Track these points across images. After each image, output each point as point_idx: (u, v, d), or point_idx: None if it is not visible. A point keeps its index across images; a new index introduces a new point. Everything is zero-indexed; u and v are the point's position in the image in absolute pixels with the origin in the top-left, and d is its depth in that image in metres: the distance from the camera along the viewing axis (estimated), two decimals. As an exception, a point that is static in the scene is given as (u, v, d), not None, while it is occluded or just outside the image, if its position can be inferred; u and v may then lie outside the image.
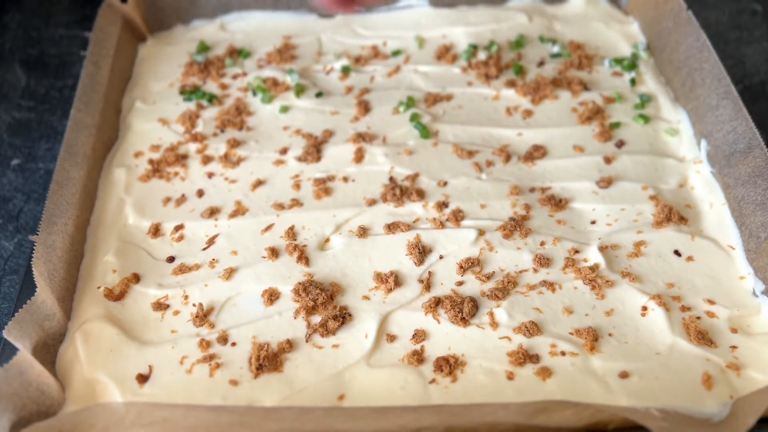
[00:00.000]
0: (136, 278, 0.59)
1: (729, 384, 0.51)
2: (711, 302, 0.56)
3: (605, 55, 0.82)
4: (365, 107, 0.75)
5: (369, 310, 0.56)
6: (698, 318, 0.55)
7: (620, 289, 0.57)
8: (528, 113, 0.74)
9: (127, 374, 0.52)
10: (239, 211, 0.65)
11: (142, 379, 0.52)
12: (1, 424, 0.46)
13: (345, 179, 0.68)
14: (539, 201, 0.64)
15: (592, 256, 0.59)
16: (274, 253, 0.61)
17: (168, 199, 0.66)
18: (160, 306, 0.57)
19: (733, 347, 0.53)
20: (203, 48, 0.84)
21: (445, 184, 0.67)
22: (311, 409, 0.46)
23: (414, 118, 0.73)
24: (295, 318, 0.56)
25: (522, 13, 0.87)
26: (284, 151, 0.71)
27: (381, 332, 0.55)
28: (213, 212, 0.65)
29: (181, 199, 0.66)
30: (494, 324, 0.55)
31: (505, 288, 0.57)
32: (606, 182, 0.66)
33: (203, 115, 0.76)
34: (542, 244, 0.61)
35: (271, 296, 0.57)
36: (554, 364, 0.52)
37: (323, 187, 0.67)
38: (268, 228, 0.63)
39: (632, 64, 0.79)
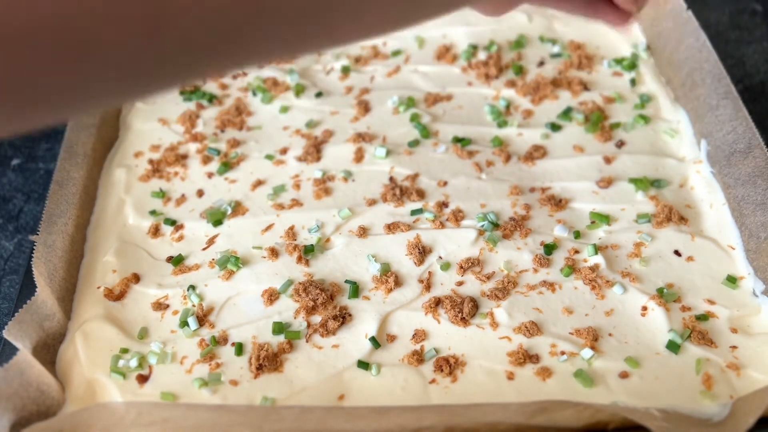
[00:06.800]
0: (136, 278, 0.59)
1: (729, 384, 0.50)
2: (711, 302, 0.56)
3: (605, 55, 0.82)
4: (365, 107, 0.75)
5: (369, 310, 0.56)
6: (698, 318, 0.55)
7: (620, 289, 0.57)
8: (528, 113, 0.74)
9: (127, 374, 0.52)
10: (239, 211, 0.65)
11: (142, 379, 0.52)
12: (1, 424, 0.46)
13: (345, 179, 0.68)
14: (539, 201, 0.64)
15: (592, 256, 0.59)
16: (274, 253, 0.61)
17: (168, 200, 0.66)
18: (160, 306, 0.57)
19: (733, 347, 0.53)
20: (203, 48, 0.84)
21: (445, 184, 0.67)
22: (311, 409, 0.46)
23: (414, 118, 0.73)
24: (295, 318, 0.56)
25: (522, 13, 0.87)
26: (284, 151, 0.71)
27: (381, 332, 0.55)
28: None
29: (181, 199, 0.66)
30: (494, 324, 0.55)
31: (505, 288, 0.57)
32: (606, 182, 0.66)
33: (203, 115, 0.75)
34: (542, 244, 0.61)
35: (271, 296, 0.57)
36: (554, 364, 0.52)
37: (323, 187, 0.67)
38: (268, 228, 0.63)
39: (632, 64, 0.79)
